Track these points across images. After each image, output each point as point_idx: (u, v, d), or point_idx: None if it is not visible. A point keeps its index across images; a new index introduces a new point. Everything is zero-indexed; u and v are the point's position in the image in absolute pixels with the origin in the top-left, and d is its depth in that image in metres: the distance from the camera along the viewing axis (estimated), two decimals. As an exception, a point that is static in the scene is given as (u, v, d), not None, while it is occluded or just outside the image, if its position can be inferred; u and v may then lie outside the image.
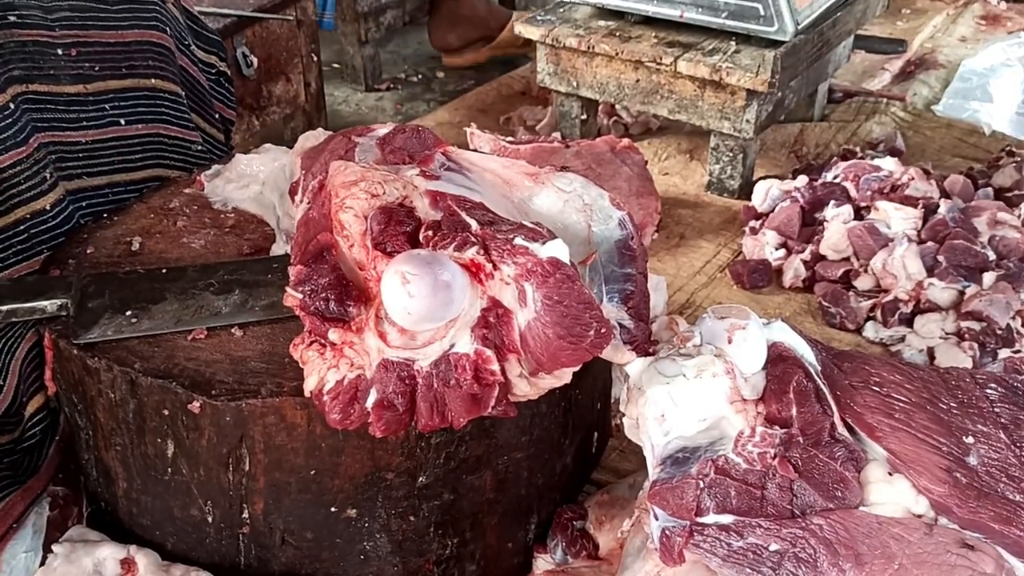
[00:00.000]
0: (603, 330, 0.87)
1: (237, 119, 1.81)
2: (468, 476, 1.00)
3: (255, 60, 1.81)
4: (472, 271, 0.89)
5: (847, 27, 2.01)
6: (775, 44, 1.80)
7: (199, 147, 1.46)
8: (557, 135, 2.14)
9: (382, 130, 1.10)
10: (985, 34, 2.86)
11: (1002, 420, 0.87)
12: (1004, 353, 1.43)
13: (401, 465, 0.96)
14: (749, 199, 1.90)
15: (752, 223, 1.81)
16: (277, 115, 1.95)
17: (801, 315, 1.63)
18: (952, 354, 1.44)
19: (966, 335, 1.45)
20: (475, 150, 1.83)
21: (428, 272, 0.85)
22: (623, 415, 1.00)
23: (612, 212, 1.04)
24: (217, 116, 1.57)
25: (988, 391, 0.90)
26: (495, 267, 0.89)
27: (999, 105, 2.23)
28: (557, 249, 0.88)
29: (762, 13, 1.79)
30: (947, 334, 1.48)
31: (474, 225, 0.92)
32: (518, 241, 0.89)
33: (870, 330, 1.57)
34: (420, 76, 2.62)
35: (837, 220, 1.66)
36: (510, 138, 1.86)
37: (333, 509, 0.98)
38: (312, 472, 0.96)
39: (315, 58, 2.01)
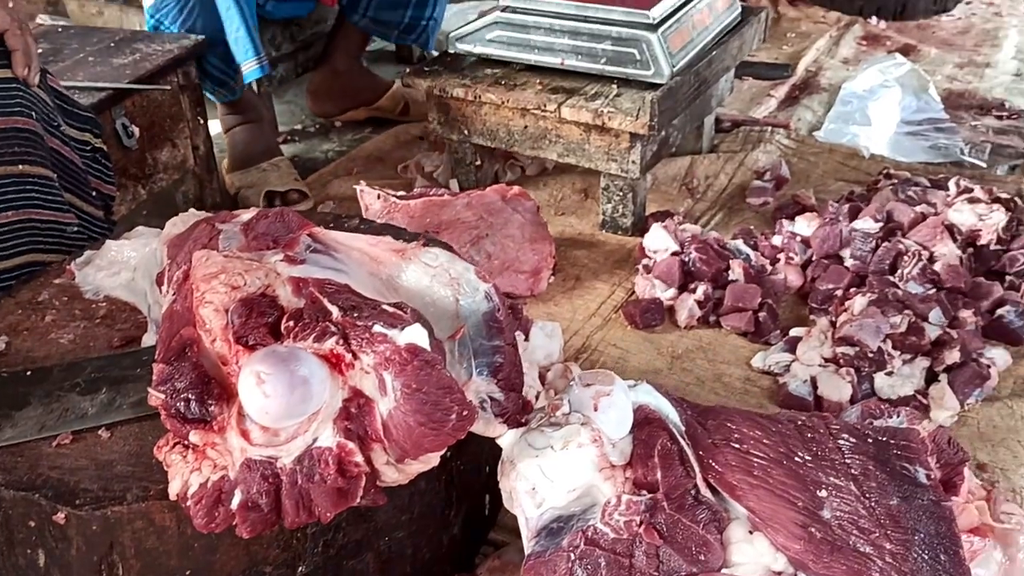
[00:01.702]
0: (465, 413, 0.88)
1: (121, 190, 1.79)
2: (349, 561, 1.00)
3: (136, 130, 1.79)
4: (332, 362, 0.89)
5: (724, 64, 2.06)
6: (654, 86, 1.85)
7: (75, 228, 1.44)
8: (454, 181, 2.16)
9: (246, 215, 1.10)
10: (867, 54, 2.98)
11: (853, 471, 0.90)
12: (879, 378, 1.48)
13: (279, 557, 0.96)
14: (643, 235, 1.94)
15: (645, 261, 1.84)
16: (164, 181, 1.92)
17: (694, 352, 1.66)
18: (833, 382, 1.48)
19: (841, 360, 1.50)
20: (366, 208, 1.85)
21: (284, 370, 0.85)
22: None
23: (478, 285, 1.05)
24: (95, 193, 1.55)
25: (840, 442, 0.93)
26: (355, 356, 0.89)
27: (877, 127, 2.31)
28: (415, 335, 0.89)
29: (638, 57, 1.83)
30: (825, 360, 1.53)
31: (335, 312, 0.93)
32: (377, 328, 0.89)
33: (758, 359, 1.62)
34: (317, 126, 2.62)
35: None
36: (401, 192, 1.88)
37: (213, 607, 0.97)
38: (188, 573, 0.94)
39: (202, 121, 1.99)
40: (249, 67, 2.06)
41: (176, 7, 2.01)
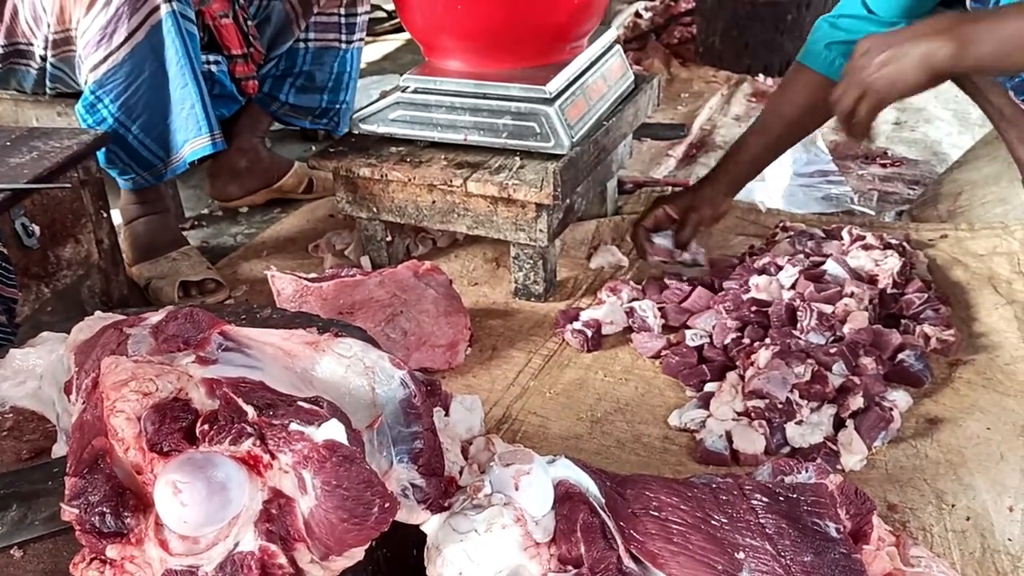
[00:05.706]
0: (387, 505, 0.89)
1: (24, 290, 1.75)
2: (279, 663, 0.98)
3: (37, 229, 1.75)
4: (250, 464, 0.89)
5: (621, 131, 2.14)
6: (556, 157, 1.90)
7: (-24, 337, 1.41)
8: (366, 259, 2.17)
9: (155, 317, 1.10)
10: (757, 110, 3.10)
11: (767, 531, 0.93)
12: (790, 428, 1.53)
13: (205, 667, 0.94)
14: (557, 301, 1.98)
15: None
16: (69, 278, 1.88)
17: (612, 414, 1.69)
18: (747, 436, 1.53)
19: (753, 413, 1.54)
20: (278, 293, 1.84)
21: (200, 477, 0.85)
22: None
23: (393, 372, 1.06)
24: (-4, 298, 1.52)
25: (754, 502, 0.96)
26: (273, 456, 0.89)
27: (771, 182, 2.41)
28: (333, 431, 0.89)
29: (538, 131, 1.89)
30: (738, 414, 1.57)
31: (251, 412, 0.93)
32: (294, 427, 0.90)
33: (674, 418, 1.65)
34: (224, 211, 2.60)
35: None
36: (313, 275, 1.88)
37: None
38: None
39: (105, 215, 1.97)
40: (199, 144, 2.03)
41: (124, 83, 1.95)
